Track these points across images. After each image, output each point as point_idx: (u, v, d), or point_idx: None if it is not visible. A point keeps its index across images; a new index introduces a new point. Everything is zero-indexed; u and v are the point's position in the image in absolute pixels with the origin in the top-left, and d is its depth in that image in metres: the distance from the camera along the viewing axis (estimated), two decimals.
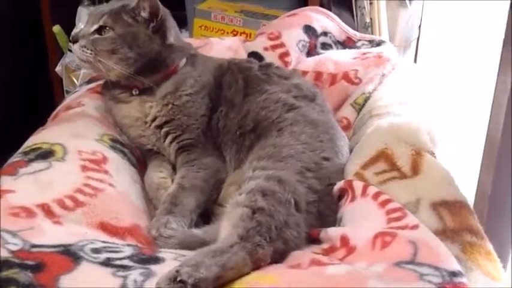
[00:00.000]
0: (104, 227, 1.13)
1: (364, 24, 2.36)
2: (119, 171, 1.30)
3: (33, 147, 1.28)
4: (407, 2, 2.42)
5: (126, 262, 1.00)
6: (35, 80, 2.60)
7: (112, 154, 1.34)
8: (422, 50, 2.62)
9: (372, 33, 2.34)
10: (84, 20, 2.33)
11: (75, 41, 1.42)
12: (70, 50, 2.40)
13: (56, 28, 2.45)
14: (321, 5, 2.43)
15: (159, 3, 1.44)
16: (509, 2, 1.44)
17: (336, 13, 2.37)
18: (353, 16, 2.38)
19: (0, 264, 0.94)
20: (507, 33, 1.30)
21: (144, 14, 1.42)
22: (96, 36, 1.41)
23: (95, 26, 1.41)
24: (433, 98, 1.76)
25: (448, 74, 2.30)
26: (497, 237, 1.35)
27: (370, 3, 2.34)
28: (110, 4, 1.47)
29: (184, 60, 1.48)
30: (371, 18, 2.34)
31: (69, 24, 2.43)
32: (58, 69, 2.50)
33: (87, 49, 1.40)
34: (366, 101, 1.63)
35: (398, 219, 1.09)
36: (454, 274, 0.94)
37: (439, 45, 2.49)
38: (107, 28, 1.40)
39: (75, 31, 1.46)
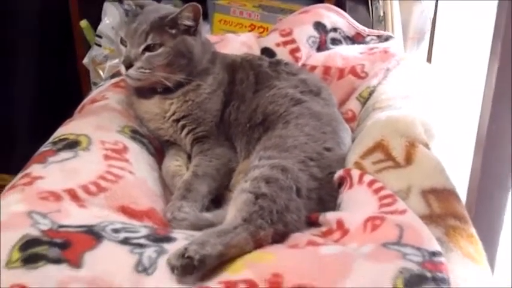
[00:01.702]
0: (124, 210, 1.22)
1: (378, 18, 2.45)
2: (138, 160, 1.39)
3: (61, 137, 1.37)
4: None
5: (142, 241, 1.08)
6: (64, 71, 2.68)
7: (132, 144, 1.43)
8: (437, 43, 2.68)
9: (385, 27, 2.42)
10: (111, 15, 2.47)
11: (129, 66, 1.44)
12: (96, 44, 2.53)
13: (84, 23, 2.54)
14: (338, 0, 2.53)
15: (200, 7, 1.48)
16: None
17: (351, 7, 2.45)
18: (368, 10, 2.47)
19: (32, 241, 1.03)
20: (497, 26, 1.37)
21: (188, 21, 1.48)
22: (149, 54, 1.44)
23: (143, 46, 1.44)
24: (439, 92, 1.82)
25: (461, 67, 2.36)
26: (486, 222, 1.45)
27: None
28: (145, 18, 1.47)
29: (208, 57, 1.56)
30: (384, 12, 2.42)
31: (95, 19, 2.53)
32: (85, 61, 2.58)
33: (145, 69, 1.44)
34: (370, 94, 1.70)
35: (389, 204, 1.18)
36: (433, 254, 1.02)
37: (454, 38, 2.54)
38: (157, 44, 1.45)
39: (125, 53, 1.46)
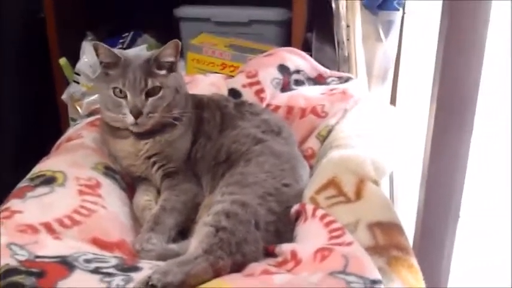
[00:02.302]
0: (96, 242, 1.30)
1: (343, 58, 2.57)
2: (110, 195, 1.48)
3: (39, 174, 1.46)
4: (383, 37, 2.62)
5: (111, 270, 1.17)
6: (44, 107, 2.76)
7: (105, 180, 1.51)
8: (401, 81, 2.80)
9: (349, 67, 2.54)
10: (89, 53, 2.58)
11: (138, 115, 1.49)
12: (75, 81, 2.63)
13: (62, 60, 2.64)
14: (305, 40, 2.65)
15: (180, 42, 1.54)
16: None
17: (318, 48, 2.57)
18: (335, 50, 2.58)
19: (11, 271, 1.12)
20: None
21: (170, 58, 1.55)
22: (152, 98, 1.51)
23: (144, 92, 1.50)
24: (396, 131, 1.92)
25: (424, 106, 2.46)
26: (429, 253, 1.56)
27: (347, 39, 2.53)
28: (134, 65, 1.51)
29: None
30: (348, 53, 2.54)
31: (74, 57, 2.64)
32: (64, 97, 2.67)
33: (153, 113, 1.51)
34: (329, 133, 1.78)
35: (338, 237, 1.27)
36: (374, 282, 1.12)
37: (418, 78, 2.65)
38: (156, 87, 1.51)
39: (130, 103, 1.49)
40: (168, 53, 1.55)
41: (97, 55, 1.56)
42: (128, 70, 1.51)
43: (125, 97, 1.51)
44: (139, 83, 1.50)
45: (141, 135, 1.58)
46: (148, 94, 1.51)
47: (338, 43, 2.52)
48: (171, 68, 1.58)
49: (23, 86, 2.71)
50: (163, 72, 1.55)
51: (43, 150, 1.65)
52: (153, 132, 1.58)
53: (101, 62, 1.57)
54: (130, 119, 1.51)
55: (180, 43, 1.56)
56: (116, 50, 1.57)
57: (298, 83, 2.07)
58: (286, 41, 2.54)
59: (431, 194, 1.51)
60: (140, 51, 2.54)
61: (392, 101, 2.73)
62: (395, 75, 2.75)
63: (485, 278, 1.85)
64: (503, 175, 1.66)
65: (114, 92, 1.52)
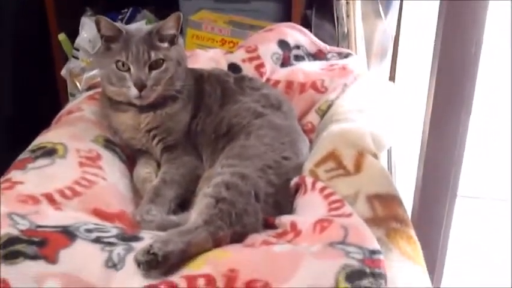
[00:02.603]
0: (96, 213, 1.31)
1: (343, 35, 2.57)
2: (111, 167, 1.48)
3: (39, 146, 1.46)
4: (382, 14, 2.62)
5: (112, 240, 1.18)
6: (43, 83, 2.76)
7: (105, 152, 1.52)
8: (400, 60, 2.81)
9: (348, 43, 2.54)
10: (88, 29, 2.57)
11: (142, 88, 1.49)
12: (74, 56, 2.63)
13: (61, 36, 2.64)
14: (304, 16, 2.64)
15: (181, 15, 1.54)
16: None
17: (317, 24, 2.57)
18: (334, 27, 2.58)
19: (12, 239, 1.12)
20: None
21: (171, 31, 1.55)
22: (156, 71, 1.51)
23: (147, 65, 1.50)
24: (395, 106, 1.93)
25: (423, 83, 2.47)
26: (428, 225, 1.57)
27: (347, 16, 2.53)
28: (136, 38, 1.51)
29: None
30: (348, 29, 2.54)
31: (73, 33, 2.65)
32: (63, 72, 2.68)
33: (157, 86, 1.52)
34: (329, 107, 1.79)
35: (337, 208, 1.29)
36: (373, 252, 1.13)
37: (416, 56, 2.66)
38: (159, 60, 1.52)
39: (134, 76, 1.49)
40: (169, 25, 1.55)
41: (98, 29, 1.55)
42: (130, 43, 1.51)
43: (128, 70, 1.51)
44: (143, 56, 1.50)
45: (141, 109, 1.59)
46: (151, 67, 1.51)
47: (337, 19, 2.52)
48: (173, 40, 1.58)
49: (22, 62, 2.70)
50: (165, 45, 1.55)
51: (43, 126, 1.66)
52: (154, 106, 1.58)
53: (102, 36, 1.56)
54: (134, 91, 1.51)
55: (181, 15, 1.56)
56: (117, 24, 1.56)
57: (298, 58, 2.07)
58: (286, 18, 2.53)
59: (430, 170, 1.51)
60: (139, 26, 2.52)
61: (391, 79, 2.73)
62: (394, 53, 2.76)
63: (483, 253, 1.87)
64: (503, 150, 1.67)
65: (116, 66, 1.52)
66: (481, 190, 1.87)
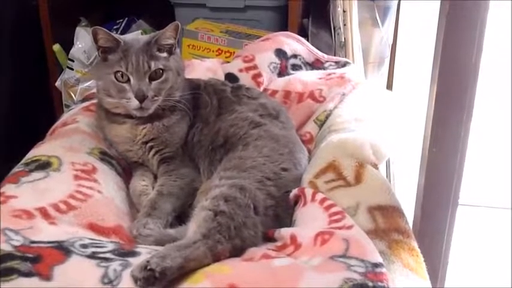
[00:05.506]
0: (92, 227, 1.29)
1: (340, 44, 2.55)
2: (107, 180, 1.46)
3: (33, 159, 1.44)
4: (379, 23, 2.60)
5: (108, 255, 1.16)
6: (38, 94, 2.73)
7: (101, 165, 1.50)
8: (397, 68, 2.79)
9: (346, 52, 2.53)
10: (83, 39, 2.55)
11: (143, 99, 1.47)
12: (69, 67, 2.60)
13: (56, 47, 2.61)
14: (301, 25, 2.63)
15: (179, 24, 1.53)
16: None
17: (314, 33, 2.56)
18: (331, 36, 2.57)
19: (6, 256, 1.09)
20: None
21: (170, 40, 1.53)
22: (156, 82, 1.50)
23: (148, 75, 1.48)
24: (394, 115, 1.91)
25: (420, 91, 2.46)
26: (429, 236, 1.55)
27: (344, 25, 2.52)
28: (135, 49, 1.49)
29: None
30: (345, 38, 2.52)
31: (67, 43, 2.61)
32: (58, 84, 2.65)
33: (157, 96, 1.50)
34: (327, 117, 1.77)
35: (338, 220, 1.27)
36: (376, 265, 1.11)
37: (413, 64, 2.65)
38: (159, 70, 1.50)
39: (134, 87, 1.47)
40: (168, 35, 1.53)
41: (96, 40, 1.52)
42: (129, 53, 1.49)
43: (128, 81, 1.49)
44: (143, 66, 1.48)
45: (139, 120, 1.56)
46: (151, 77, 1.50)
47: (334, 28, 2.51)
48: (171, 50, 1.56)
49: (17, 73, 2.66)
50: (164, 54, 1.54)
51: (37, 138, 1.63)
52: (152, 117, 1.56)
53: (98, 48, 1.53)
54: (135, 103, 1.49)
55: (179, 25, 1.54)
56: (114, 34, 1.54)
57: (295, 67, 2.06)
58: (282, 27, 2.52)
59: (431, 179, 1.49)
60: (135, 37, 2.50)
61: (389, 87, 2.72)
62: (391, 61, 2.75)
63: (485, 261, 1.85)
64: (503, 158, 1.66)
65: (115, 77, 1.50)
66: (482, 199, 1.85)
